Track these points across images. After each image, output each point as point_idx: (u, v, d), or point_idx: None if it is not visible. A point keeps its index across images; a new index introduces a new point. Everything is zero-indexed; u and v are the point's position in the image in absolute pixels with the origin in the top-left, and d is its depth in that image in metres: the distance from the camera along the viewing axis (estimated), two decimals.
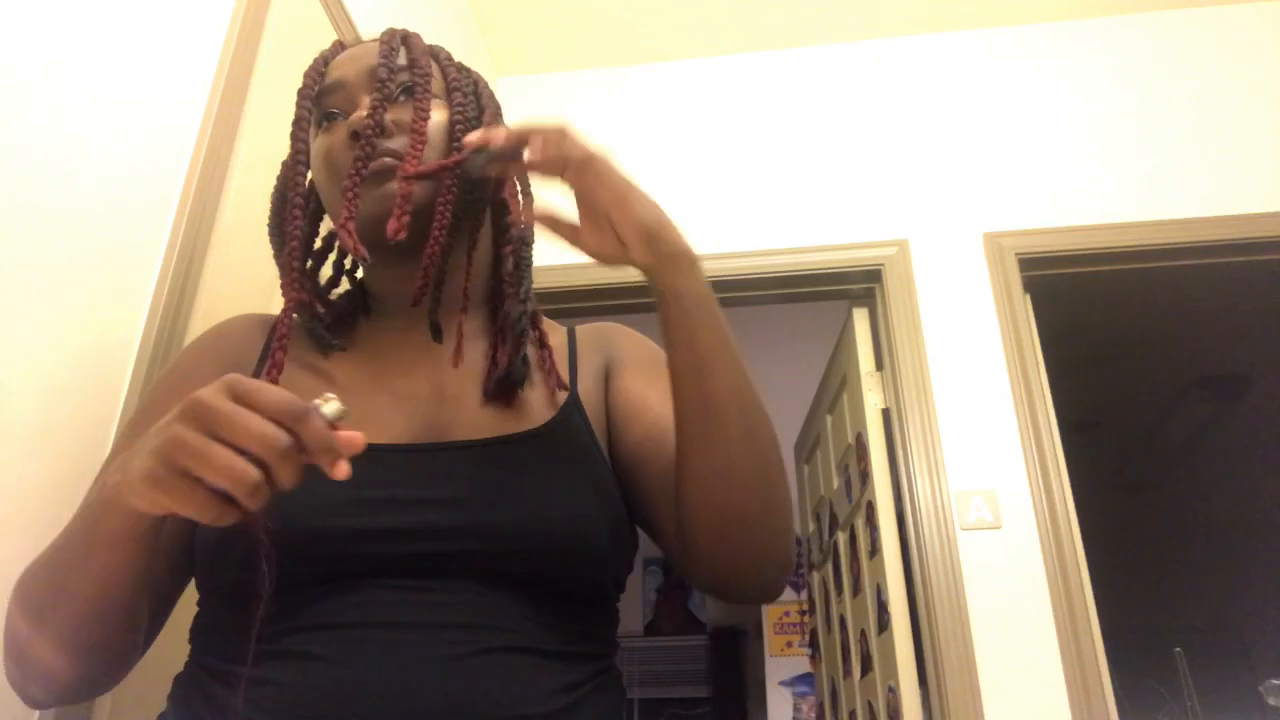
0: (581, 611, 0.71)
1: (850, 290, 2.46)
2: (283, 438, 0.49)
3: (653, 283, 0.69)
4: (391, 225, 0.70)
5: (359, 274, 0.89)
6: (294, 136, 0.80)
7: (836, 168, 2.54)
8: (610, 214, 0.66)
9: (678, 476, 0.71)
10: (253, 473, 0.49)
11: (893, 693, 2.07)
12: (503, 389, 0.76)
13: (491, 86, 2.84)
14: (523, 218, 0.81)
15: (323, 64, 0.83)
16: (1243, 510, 4.93)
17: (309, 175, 0.82)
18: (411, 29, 0.86)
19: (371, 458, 0.68)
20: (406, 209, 0.71)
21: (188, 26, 1.21)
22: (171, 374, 0.80)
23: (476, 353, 0.80)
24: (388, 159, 0.76)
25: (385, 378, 0.78)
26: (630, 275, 0.72)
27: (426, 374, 0.78)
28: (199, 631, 0.70)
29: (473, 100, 0.83)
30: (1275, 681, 2.38)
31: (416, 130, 0.76)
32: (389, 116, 0.77)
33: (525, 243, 0.85)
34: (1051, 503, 2.05)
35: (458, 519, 0.66)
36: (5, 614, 0.66)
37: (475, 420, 0.75)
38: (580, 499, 0.71)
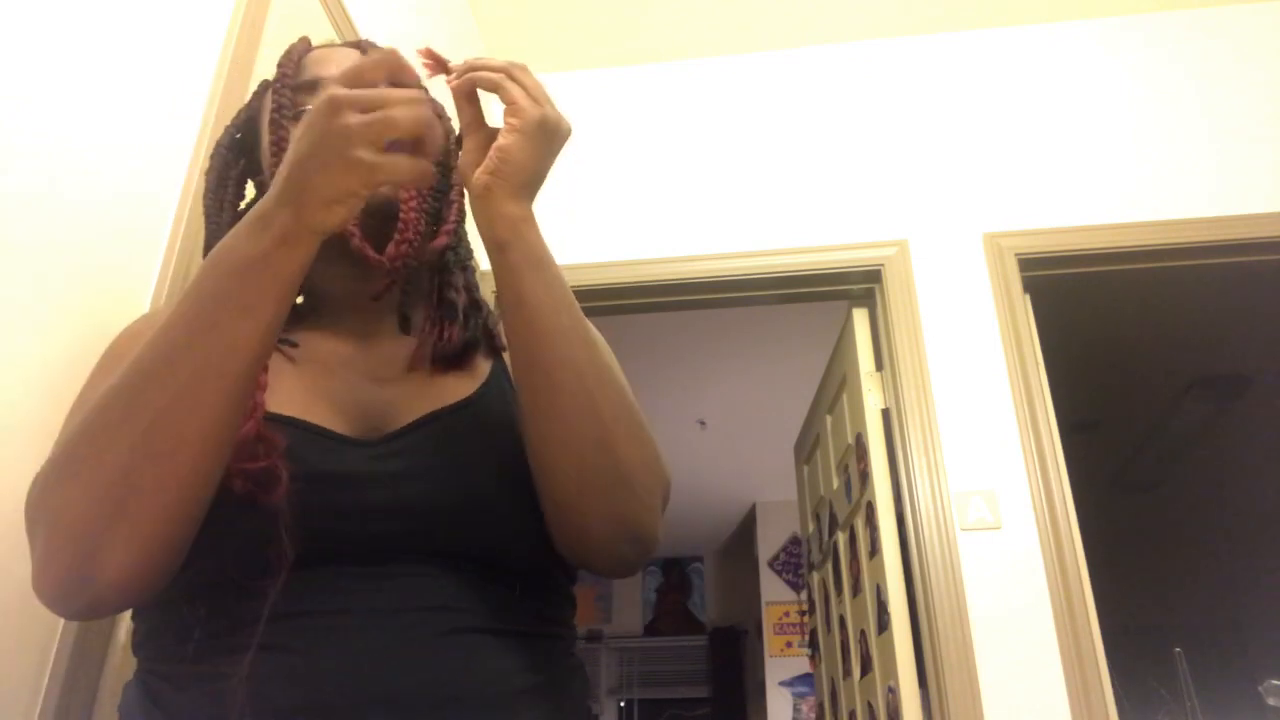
0: (534, 591, 0.70)
1: (850, 290, 2.46)
2: (422, 96, 0.56)
3: (480, 229, 0.67)
4: (392, 249, 0.73)
5: None
6: (274, 124, 0.78)
7: (836, 168, 2.55)
8: (506, 123, 0.64)
9: (525, 440, 0.70)
10: (428, 109, 0.56)
11: (893, 693, 2.07)
12: (453, 360, 0.76)
13: None
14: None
15: (298, 57, 0.82)
16: (1242, 510, 4.93)
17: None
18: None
19: (320, 443, 0.68)
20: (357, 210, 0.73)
21: (188, 26, 1.21)
22: (108, 359, 0.79)
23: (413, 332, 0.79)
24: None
25: (319, 371, 0.75)
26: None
27: (357, 364, 0.77)
28: (145, 639, 0.68)
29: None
30: (1275, 681, 2.37)
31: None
32: None
33: (463, 213, 0.82)
34: (1051, 503, 2.05)
35: (397, 500, 0.66)
36: (49, 515, 0.59)
37: (411, 403, 0.73)
38: (510, 471, 0.69)
